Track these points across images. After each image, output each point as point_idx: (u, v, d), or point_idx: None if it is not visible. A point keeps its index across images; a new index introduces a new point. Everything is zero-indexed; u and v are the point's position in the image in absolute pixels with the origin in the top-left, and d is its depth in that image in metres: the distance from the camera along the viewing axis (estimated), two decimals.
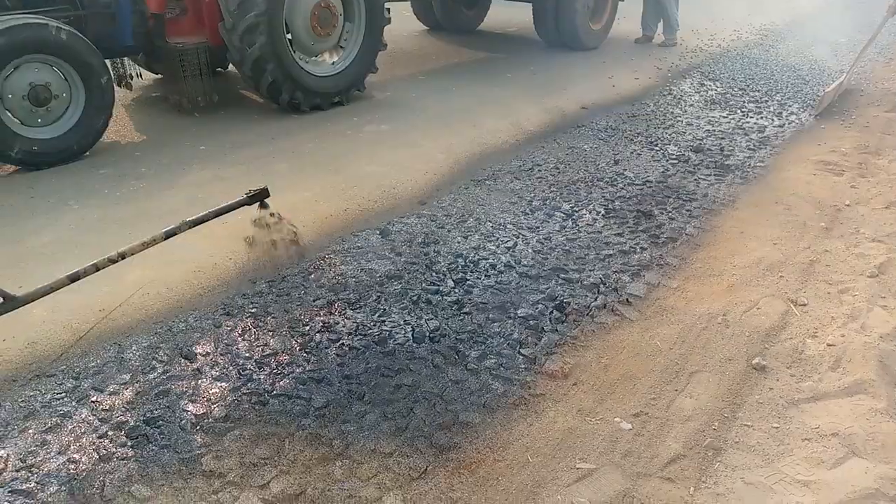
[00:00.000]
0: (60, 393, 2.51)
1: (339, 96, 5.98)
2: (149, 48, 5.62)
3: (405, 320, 2.99)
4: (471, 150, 5.04)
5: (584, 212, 4.06)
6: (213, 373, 2.64)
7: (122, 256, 2.31)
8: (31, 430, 2.33)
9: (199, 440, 2.30)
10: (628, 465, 2.23)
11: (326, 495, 2.10)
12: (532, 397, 2.55)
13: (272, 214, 2.94)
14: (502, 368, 2.69)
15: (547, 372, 2.68)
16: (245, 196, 2.71)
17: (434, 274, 3.36)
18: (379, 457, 2.25)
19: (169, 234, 2.43)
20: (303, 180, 4.39)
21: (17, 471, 2.17)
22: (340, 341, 2.84)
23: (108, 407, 2.44)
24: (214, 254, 3.45)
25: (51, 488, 2.10)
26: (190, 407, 2.45)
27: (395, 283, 3.28)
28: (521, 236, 3.76)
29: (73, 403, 2.46)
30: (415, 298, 3.15)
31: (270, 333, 2.89)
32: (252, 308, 3.06)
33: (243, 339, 2.84)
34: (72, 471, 2.17)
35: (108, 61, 5.05)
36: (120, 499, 2.07)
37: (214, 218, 2.69)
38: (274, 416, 2.42)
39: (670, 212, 4.08)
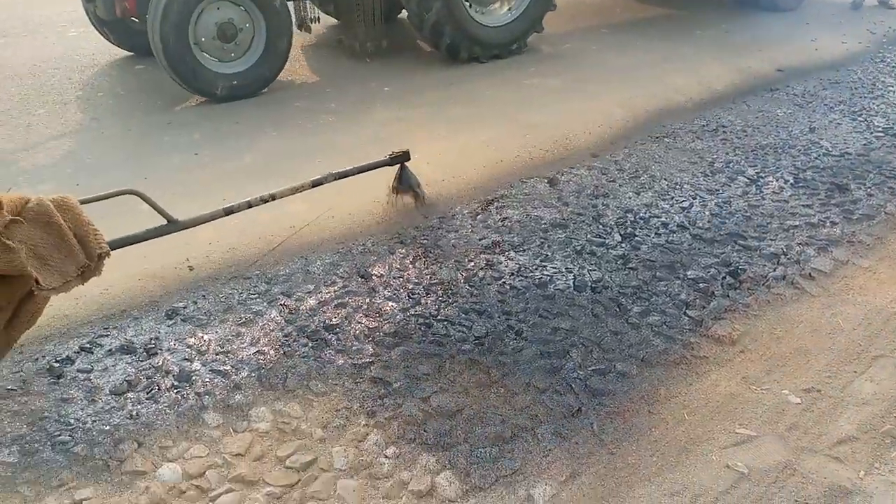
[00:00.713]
0: (254, 294, 2.81)
1: (517, 42, 5.94)
2: None
3: (567, 268, 3.01)
4: (651, 106, 4.87)
5: (770, 179, 3.81)
6: (386, 293, 2.83)
7: (273, 198, 2.46)
8: (229, 322, 2.65)
9: (370, 350, 2.50)
10: (793, 438, 2.13)
11: (481, 417, 2.20)
12: (694, 358, 2.49)
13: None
14: (665, 326, 2.64)
15: (713, 335, 2.60)
16: (387, 157, 2.88)
17: (600, 227, 3.33)
18: (533, 391, 2.32)
19: (316, 183, 2.59)
20: (478, 125, 4.48)
21: (217, 354, 2.48)
22: (502, 280, 2.92)
23: (293, 310, 2.71)
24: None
25: (243, 373, 2.39)
26: (363, 320, 2.66)
27: (560, 231, 3.30)
28: (697, 197, 3.60)
29: (265, 304, 2.75)
30: (578, 248, 3.15)
31: (438, 264, 3.03)
32: (423, 240, 3.22)
33: (414, 267, 3.01)
34: (261, 361, 2.44)
35: (290, 3, 5.29)
36: (299, 391, 2.31)
37: (357, 174, 2.94)
38: (437, 338, 2.56)
39: (869, 187, 3.71)
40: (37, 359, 2.44)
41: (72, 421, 2.17)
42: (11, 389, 2.30)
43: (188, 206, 2.75)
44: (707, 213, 3.45)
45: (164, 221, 2.31)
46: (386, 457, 2.05)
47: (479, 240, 3.22)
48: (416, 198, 3.32)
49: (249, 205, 2.21)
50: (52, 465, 2.01)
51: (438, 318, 2.68)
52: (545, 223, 3.37)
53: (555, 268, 3.01)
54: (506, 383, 2.35)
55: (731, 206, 3.51)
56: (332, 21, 6.76)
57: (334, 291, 2.83)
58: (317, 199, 3.37)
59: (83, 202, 1.78)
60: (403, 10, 6.16)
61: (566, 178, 3.83)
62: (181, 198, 3.39)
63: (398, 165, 3.13)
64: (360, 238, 3.24)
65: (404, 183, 3.22)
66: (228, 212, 2.18)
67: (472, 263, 3.03)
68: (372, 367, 2.41)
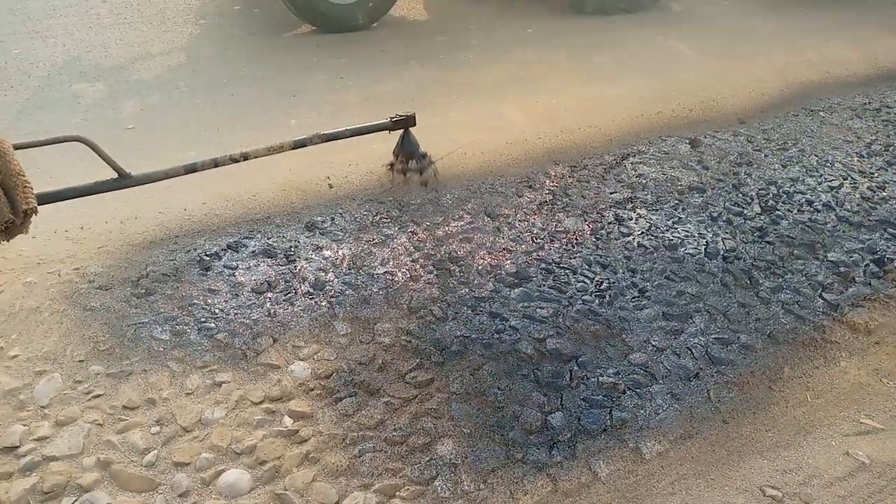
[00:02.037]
0: (387, 218, 2.93)
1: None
2: None
3: (700, 233, 2.92)
4: (807, 77, 4.54)
5: None
6: (510, 234, 2.87)
7: (245, 158, 2.19)
8: (362, 240, 2.78)
9: (491, 286, 2.56)
10: None
11: (596, 366, 2.23)
12: (824, 342, 2.39)
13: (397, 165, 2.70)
14: (797, 306, 2.53)
15: (848, 322, 2.47)
16: (388, 120, 2.44)
17: (740, 195, 3.20)
18: (651, 349, 2.31)
19: (298, 145, 2.32)
20: (621, 76, 4.35)
21: (349, 269, 2.62)
22: (631, 236, 2.88)
23: (421, 238, 2.80)
24: (525, 130, 3.64)
25: (372, 288, 2.51)
26: (487, 257, 2.72)
27: (697, 195, 3.19)
28: (849, 178, 3.37)
29: (396, 229, 2.86)
30: (714, 215, 3.05)
31: (564, 213, 3.02)
32: (551, 186, 3.21)
33: (540, 212, 3.02)
34: (388, 280, 2.56)
35: None
36: (422, 312, 2.41)
37: (350, 136, 2.53)
38: (558, 284, 2.58)
39: None
40: (188, 251, 2.67)
41: (216, 311, 2.38)
42: (165, 275, 2.54)
43: (337, 123, 2.86)
44: (857, 195, 3.23)
45: (115, 175, 1.99)
46: (499, 388, 2.13)
47: (611, 193, 3.18)
48: (420, 171, 2.76)
49: (216, 163, 1.90)
50: (198, 348, 2.22)
51: (561, 265, 2.69)
52: (682, 185, 3.26)
53: (687, 231, 2.93)
54: (624, 338, 2.35)
55: (885, 192, 3.26)
56: None
57: (461, 226, 2.89)
58: (451, 136, 3.42)
59: (19, 147, 1.58)
60: None
61: (709, 142, 3.67)
62: (328, 117, 3.53)
63: (401, 131, 2.57)
64: (489, 178, 3.27)
65: (406, 152, 2.67)
66: (189, 170, 1.88)
67: (601, 216, 3.01)
68: (491, 302, 2.48)
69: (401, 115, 2.38)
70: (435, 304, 2.46)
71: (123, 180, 1.66)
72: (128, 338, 2.24)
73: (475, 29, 5.10)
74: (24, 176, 1.48)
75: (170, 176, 1.83)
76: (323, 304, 2.43)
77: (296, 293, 2.48)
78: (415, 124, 2.36)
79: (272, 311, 2.39)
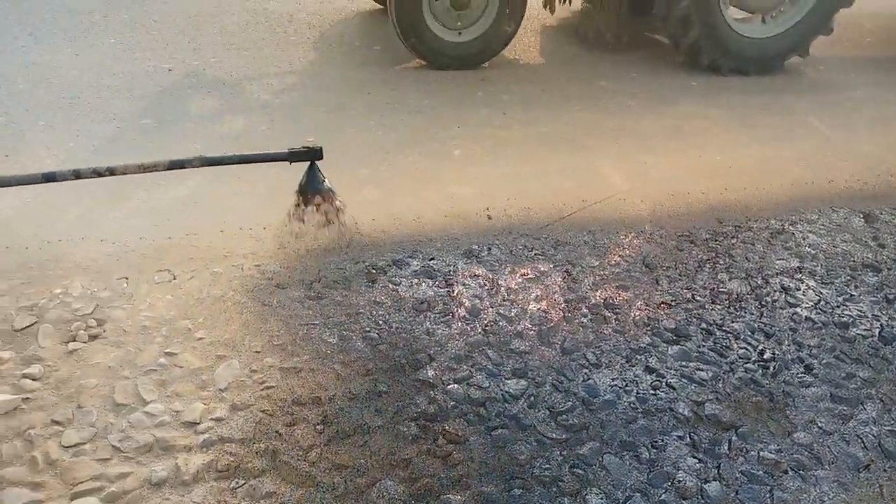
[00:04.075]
0: (542, 255, 2.96)
1: (771, 61, 5.32)
2: None
3: (874, 314, 2.74)
4: None
5: None
6: (669, 288, 2.81)
7: (112, 173, 2.00)
8: (517, 274, 2.82)
9: (647, 339, 2.51)
10: None
11: (757, 439, 2.13)
12: None
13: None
14: None
15: None
16: (286, 151, 2.05)
17: None
18: (816, 431, 2.18)
19: (174, 165, 2.07)
20: (787, 139, 4.19)
21: (504, 300, 2.66)
22: (798, 308, 2.74)
23: (576, 279, 2.80)
24: (687, 184, 3.57)
25: (525, 323, 2.54)
26: (644, 308, 2.67)
27: (872, 273, 3.00)
28: None
29: (550, 266, 2.88)
30: (890, 297, 2.85)
31: (727, 274, 2.93)
32: (714, 244, 3.12)
33: (701, 270, 2.94)
34: (542, 317, 2.57)
35: None
36: (575, 355, 2.40)
37: (237, 163, 2.22)
38: (719, 348, 2.49)
39: None
40: (357, 262, 2.81)
41: (380, 322, 2.48)
42: (336, 282, 2.68)
43: (497, 157, 2.94)
44: None
45: None
46: (653, 446, 2.08)
47: (777, 259, 3.05)
48: (328, 212, 2.45)
49: (77, 175, 1.79)
50: (361, 355, 2.33)
51: (722, 327, 2.60)
52: (855, 261, 3.08)
53: (860, 311, 2.75)
54: (787, 414, 2.23)
55: None
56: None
57: (617, 272, 2.87)
58: (610, 181, 3.41)
59: None
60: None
61: (886, 218, 3.45)
62: (488, 151, 3.63)
63: (307, 164, 2.19)
64: (647, 227, 3.23)
65: (312, 188, 2.30)
66: (49, 178, 1.79)
67: (766, 282, 2.89)
68: (647, 356, 2.43)
69: (305, 147, 2.00)
70: (588, 349, 2.44)
71: None
72: (300, 336, 2.38)
73: (637, 77, 5.09)
74: None
75: (24, 183, 1.75)
76: (478, 330, 2.48)
77: (452, 316, 2.54)
78: (321, 158, 1.97)
79: (430, 330, 2.46)
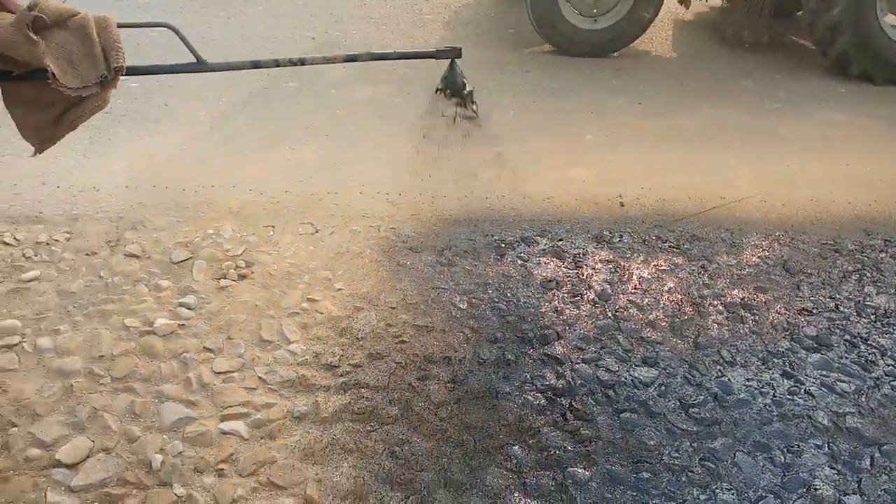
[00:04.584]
0: (676, 247, 2.88)
1: None
2: None
3: None
4: None
5: None
6: (809, 294, 2.67)
7: (303, 62, 2.10)
8: (650, 264, 2.76)
9: (786, 344, 2.41)
10: None
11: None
12: None
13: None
14: None
15: None
16: (434, 50, 2.19)
17: None
18: None
19: (349, 58, 2.15)
20: None
21: (635, 288, 2.62)
22: None
23: (712, 275, 2.72)
24: (833, 192, 3.38)
25: (658, 313, 2.49)
26: (783, 312, 2.56)
27: None
28: None
29: (684, 259, 2.81)
30: None
31: (875, 288, 2.75)
32: (861, 256, 2.95)
33: (846, 281, 2.78)
34: (674, 309, 2.51)
35: None
36: (709, 350, 2.34)
37: (397, 59, 2.27)
38: (863, 362, 2.35)
39: None
40: (486, 235, 2.84)
41: (508, 294, 2.50)
42: (465, 251, 2.72)
43: (632, 146, 2.88)
44: None
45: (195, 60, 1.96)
46: (788, 450, 1.99)
47: None
48: (462, 104, 2.43)
49: (277, 63, 1.95)
50: (490, 323, 2.35)
51: (868, 341, 2.46)
52: None
53: None
54: None
55: None
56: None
57: (755, 273, 2.76)
58: (750, 181, 3.29)
59: (119, 25, 1.76)
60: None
61: None
62: (624, 139, 3.57)
63: (448, 62, 2.33)
64: (789, 232, 3.08)
65: (451, 84, 2.36)
66: (255, 65, 1.95)
67: None
68: (785, 360, 2.33)
69: (448, 47, 2.15)
70: (723, 346, 2.37)
71: (199, 65, 1.82)
72: (431, 298, 2.43)
73: (780, 78, 4.85)
74: (120, 44, 1.67)
75: (237, 68, 1.94)
76: (608, 314, 2.45)
77: (582, 298, 2.53)
78: (460, 56, 2.12)
79: (559, 308, 2.46)
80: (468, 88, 2.32)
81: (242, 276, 2.44)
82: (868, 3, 4.55)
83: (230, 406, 1.94)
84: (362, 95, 3.93)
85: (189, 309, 2.26)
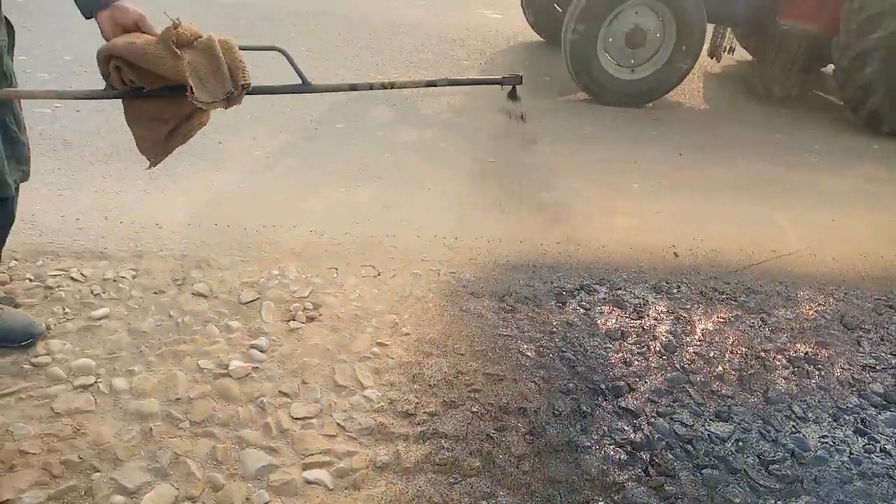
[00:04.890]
0: (732, 300, 2.88)
1: None
2: (754, 23, 5.34)
3: None
4: None
5: None
6: (871, 350, 2.67)
7: (393, 86, 2.22)
8: (711, 315, 2.76)
9: (855, 401, 2.39)
10: None
11: None
12: None
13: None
14: None
15: None
16: (501, 77, 2.32)
17: None
18: None
19: (429, 84, 2.31)
20: None
21: (700, 340, 2.61)
22: None
23: (773, 329, 2.72)
24: (880, 248, 3.41)
25: (725, 366, 2.47)
26: (847, 367, 2.55)
27: None
28: None
29: (742, 311, 2.81)
30: None
31: None
32: None
33: (878, 344, 2.79)
34: (742, 363, 2.50)
35: (710, 25, 4.99)
36: (780, 406, 2.32)
37: (468, 84, 2.51)
38: None
39: None
40: (545, 282, 2.84)
41: (575, 343, 2.49)
42: (527, 298, 2.71)
43: (675, 194, 2.90)
44: None
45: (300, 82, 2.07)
46: None
47: None
48: (520, 114, 2.46)
49: (371, 86, 2.10)
50: (560, 373, 2.34)
51: None
52: None
53: None
54: None
55: None
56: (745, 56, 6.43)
57: (814, 327, 2.76)
58: (800, 233, 3.31)
59: (242, 48, 1.88)
60: (830, 65, 5.62)
61: None
62: (666, 188, 3.61)
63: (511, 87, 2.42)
64: (843, 285, 3.09)
65: (515, 98, 2.44)
66: (352, 87, 2.09)
67: None
68: (856, 417, 2.31)
69: (512, 74, 2.29)
70: (794, 401, 2.35)
71: (305, 86, 1.94)
72: (498, 346, 2.42)
73: (814, 132, 4.92)
74: (244, 62, 1.78)
75: (337, 89, 2.09)
76: (676, 367, 2.44)
77: (648, 349, 2.52)
78: (521, 83, 2.29)
79: (627, 360, 2.44)
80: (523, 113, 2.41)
81: (311, 319, 2.43)
82: None
83: (312, 454, 1.91)
84: (408, 138, 3.97)
85: (261, 351, 2.25)
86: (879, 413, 2.36)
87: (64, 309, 2.31)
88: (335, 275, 2.69)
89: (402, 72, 5.02)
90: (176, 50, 1.67)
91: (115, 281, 2.48)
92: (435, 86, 2.24)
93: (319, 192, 3.28)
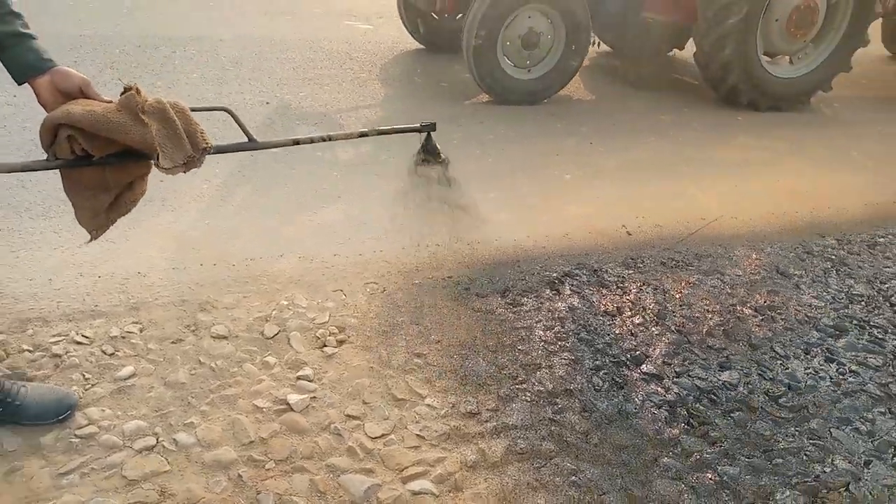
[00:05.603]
0: (688, 264, 3.24)
1: (800, 98, 5.90)
2: (619, 18, 5.94)
3: None
4: None
5: None
6: (810, 291, 3.13)
7: (330, 139, 2.24)
8: (680, 281, 3.09)
9: (816, 335, 2.82)
10: None
11: None
12: None
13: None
14: None
15: None
16: (418, 124, 2.38)
17: None
18: None
19: (362, 134, 2.30)
20: (849, 166, 4.66)
21: (681, 304, 2.92)
22: None
23: (731, 285, 3.10)
24: (781, 205, 3.95)
25: (708, 323, 2.80)
26: (800, 309, 2.98)
27: None
28: None
29: (699, 274, 3.17)
30: None
31: (853, 280, 3.28)
32: (828, 255, 3.48)
33: (828, 276, 3.28)
34: (722, 317, 2.85)
35: None
36: (765, 349, 2.68)
37: (392, 133, 2.36)
38: (875, 340, 2.81)
39: None
40: (533, 273, 3.04)
41: (584, 324, 2.70)
42: (525, 291, 2.89)
43: (600, 182, 3.23)
44: None
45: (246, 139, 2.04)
46: (862, 421, 2.35)
47: (885, 267, 3.43)
48: (441, 166, 2.57)
49: (311, 140, 2.15)
50: (584, 353, 2.54)
51: (871, 324, 2.93)
52: None
53: None
54: None
55: None
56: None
57: (760, 279, 3.18)
58: (717, 201, 3.77)
59: (194, 110, 1.87)
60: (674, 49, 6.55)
61: None
62: (592, 176, 3.96)
63: (425, 135, 2.51)
64: (765, 241, 3.57)
65: (430, 151, 2.54)
66: (295, 142, 2.13)
67: (884, 285, 3.25)
68: (821, 348, 2.73)
69: (425, 123, 2.39)
70: (773, 343, 2.73)
71: (252, 143, 1.97)
72: (521, 337, 2.58)
73: (689, 111, 5.54)
74: (200, 126, 1.79)
75: (281, 145, 2.11)
76: (672, 330, 2.73)
77: (645, 320, 2.79)
78: (435, 129, 2.37)
79: (633, 332, 2.70)
80: (444, 156, 2.46)
81: (341, 342, 2.44)
82: (751, 45, 5.36)
83: (406, 467, 1.96)
84: (347, 156, 3.99)
85: (309, 381, 2.24)
86: (836, 341, 2.79)
87: (84, 375, 2.16)
88: (343, 296, 2.70)
89: (307, 89, 5.00)
90: (143, 117, 1.64)
91: (123, 337, 2.34)
92: (367, 135, 2.27)
93: (289, 218, 3.24)
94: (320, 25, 7.01)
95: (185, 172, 1.77)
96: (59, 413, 1.98)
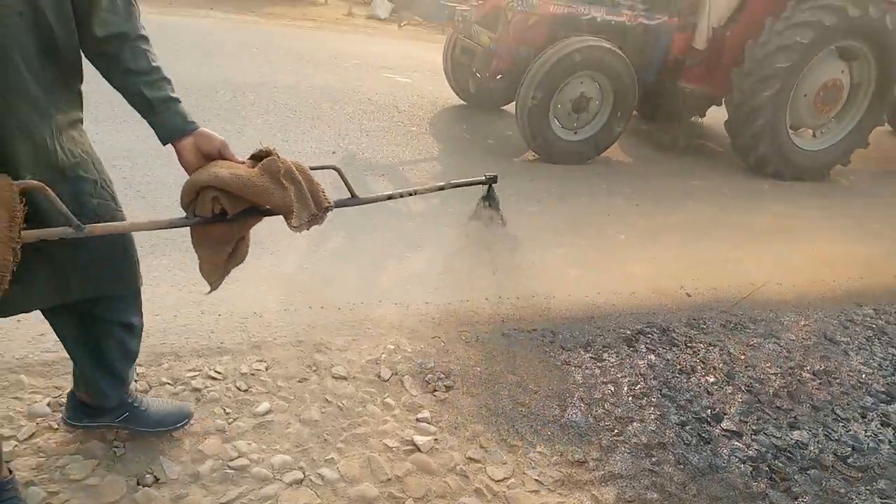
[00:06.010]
0: (744, 326, 3.48)
1: (821, 169, 6.25)
2: (659, 86, 6.21)
3: None
4: None
5: None
6: (857, 357, 3.38)
7: (416, 193, 2.34)
8: (741, 343, 3.33)
9: (869, 399, 3.05)
10: None
11: None
12: None
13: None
14: None
15: None
16: (484, 177, 2.50)
17: None
18: None
19: (438, 188, 2.47)
20: (872, 235, 4.97)
21: (746, 365, 3.15)
22: None
23: (787, 349, 3.34)
24: (820, 273, 4.23)
25: (773, 385, 3.03)
26: (850, 375, 3.22)
27: None
28: None
29: (757, 337, 3.41)
30: None
31: (893, 347, 3.54)
32: (868, 323, 3.74)
33: (871, 343, 3.54)
34: (784, 379, 3.08)
35: None
36: (827, 410, 2.91)
37: (460, 186, 2.49)
38: None
39: None
40: (609, 330, 3.26)
41: (663, 381, 2.92)
42: (604, 347, 3.11)
43: (651, 243, 3.53)
44: None
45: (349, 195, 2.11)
46: None
47: None
48: (498, 215, 2.71)
49: (401, 195, 2.27)
50: (668, 409, 2.75)
51: None
52: None
53: None
54: None
55: None
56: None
57: (812, 344, 3.43)
58: (761, 267, 4.06)
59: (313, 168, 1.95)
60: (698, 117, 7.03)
61: None
62: (636, 239, 4.24)
63: (488, 186, 2.64)
64: (809, 307, 3.83)
65: (491, 200, 2.70)
66: (389, 197, 2.23)
67: None
68: (876, 413, 2.96)
69: (490, 175, 2.52)
70: (833, 406, 2.96)
71: (354, 200, 2.06)
72: (610, 392, 2.79)
73: (720, 177, 5.87)
74: (321, 185, 1.90)
75: (378, 200, 2.23)
76: (743, 390, 2.96)
77: (716, 378, 3.02)
78: (496, 182, 2.52)
79: (708, 390, 2.92)
80: (501, 208, 2.60)
81: (448, 388, 2.64)
82: (781, 118, 5.73)
83: None
84: (418, 208, 4.23)
85: (429, 423, 2.43)
86: (889, 406, 3.03)
87: (224, 409, 2.34)
88: (442, 343, 2.91)
89: (365, 141, 5.26)
90: (283, 181, 1.74)
91: (252, 374, 2.53)
92: (443, 189, 2.46)
93: (380, 265, 3.46)
94: (361, 76, 7.31)
95: (308, 229, 1.87)
96: (178, 421, 2.18)
